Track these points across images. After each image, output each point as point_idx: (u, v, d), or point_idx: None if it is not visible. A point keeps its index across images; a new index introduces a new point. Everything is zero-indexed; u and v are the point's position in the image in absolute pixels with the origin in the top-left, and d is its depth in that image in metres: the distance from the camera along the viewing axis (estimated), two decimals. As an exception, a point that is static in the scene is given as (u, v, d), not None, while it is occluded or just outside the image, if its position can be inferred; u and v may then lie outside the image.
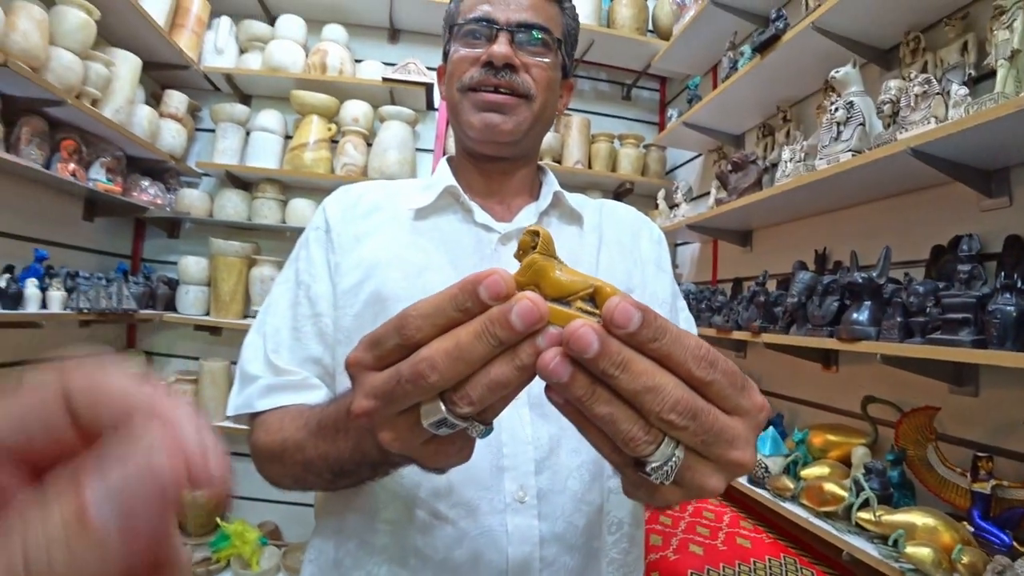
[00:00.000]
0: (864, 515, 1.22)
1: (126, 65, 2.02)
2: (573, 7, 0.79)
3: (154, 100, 2.36)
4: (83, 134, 1.95)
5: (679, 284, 2.51)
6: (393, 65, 2.45)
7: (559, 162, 2.57)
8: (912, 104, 1.20)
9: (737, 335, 1.78)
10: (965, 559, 1.02)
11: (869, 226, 1.57)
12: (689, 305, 2.06)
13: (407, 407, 0.32)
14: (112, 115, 1.95)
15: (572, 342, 0.27)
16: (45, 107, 1.73)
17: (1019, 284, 1.02)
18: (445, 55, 0.77)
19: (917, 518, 1.14)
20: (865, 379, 1.50)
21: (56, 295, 1.80)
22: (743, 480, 1.61)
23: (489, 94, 0.69)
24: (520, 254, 0.32)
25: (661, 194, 2.52)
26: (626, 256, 0.77)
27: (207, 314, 2.39)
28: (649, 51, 2.60)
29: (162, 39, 2.14)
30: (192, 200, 2.38)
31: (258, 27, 2.45)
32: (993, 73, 1.09)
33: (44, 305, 1.76)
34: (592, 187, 2.69)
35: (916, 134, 1.15)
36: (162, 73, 2.38)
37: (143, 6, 2.02)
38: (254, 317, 2.38)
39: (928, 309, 1.16)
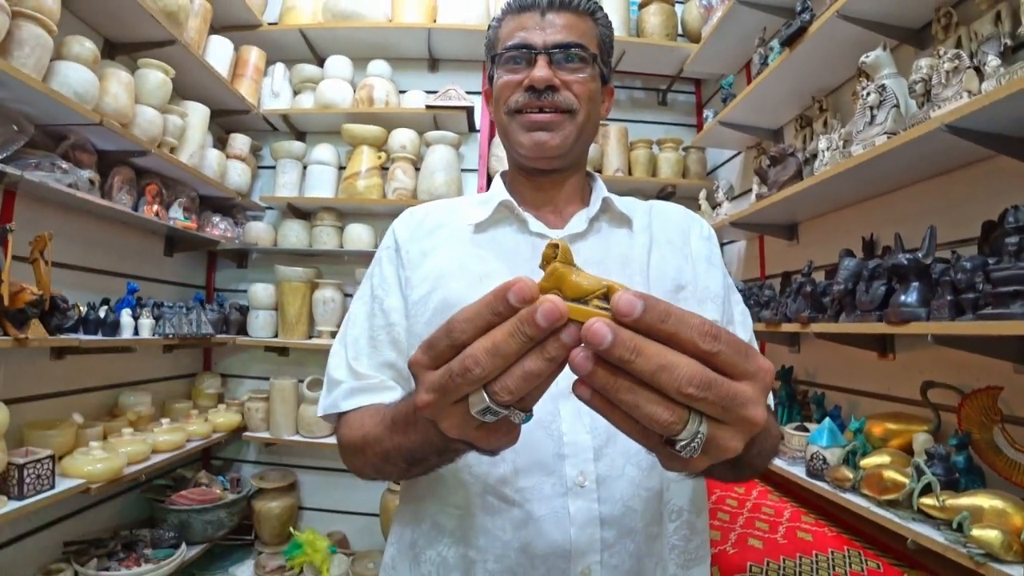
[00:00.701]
0: (927, 500, 1.19)
1: (197, 115, 2.25)
2: (605, 15, 0.81)
3: (220, 143, 2.60)
4: (163, 178, 2.19)
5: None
6: (434, 93, 2.60)
7: (599, 171, 2.63)
8: (943, 80, 1.19)
9: (786, 327, 1.76)
10: (1037, 541, 0.99)
11: (917, 208, 1.54)
12: (736, 302, 2.06)
13: (459, 398, 0.37)
14: (187, 160, 2.17)
15: (589, 337, 0.32)
16: (132, 157, 1.96)
17: (1070, 251, 0.99)
18: (490, 79, 0.82)
19: (984, 501, 1.10)
20: (924, 364, 1.46)
21: (146, 323, 2.00)
22: (801, 473, 1.59)
23: (535, 115, 0.74)
24: (544, 264, 0.38)
25: (702, 194, 2.53)
26: (676, 254, 0.79)
27: (275, 336, 2.58)
28: (681, 55, 2.63)
29: (225, 88, 2.38)
30: (258, 232, 2.60)
31: (309, 69, 2.68)
32: (1027, 40, 1.08)
33: (136, 332, 1.97)
34: (634, 193, 2.66)
35: (949, 110, 1.14)
36: (227, 118, 2.63)
37: (209, 62, 2.26)
38: (318, 337, 2.56)
39: (978, 285, 1.13)
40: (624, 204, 0.82)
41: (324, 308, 2.52)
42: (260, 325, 2.56)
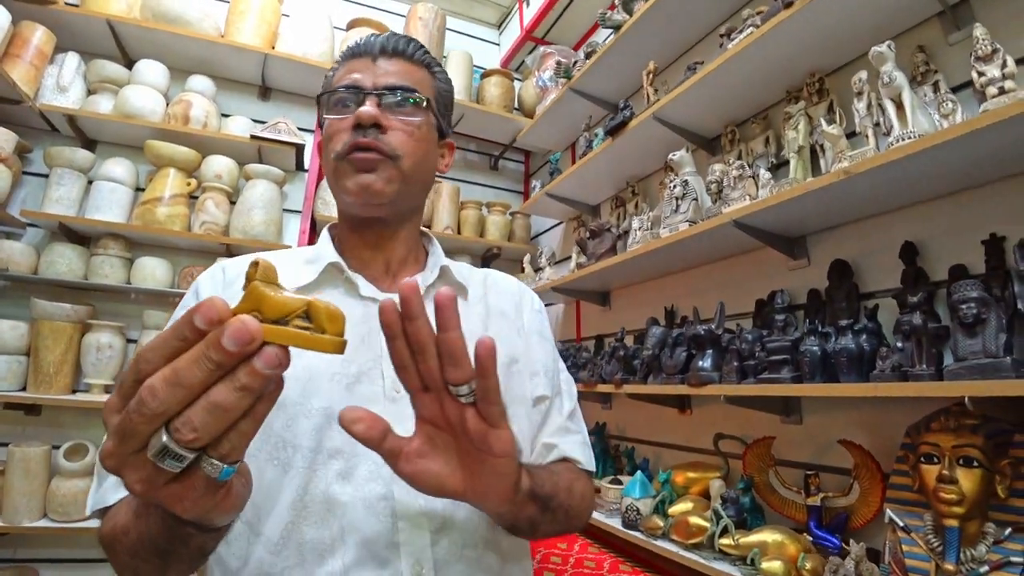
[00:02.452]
0: (725, 541, 1.36)
1: (-63, 98, 1.75)
2: (444, 72, 0.81)
3: (-30, 138, 2.04)
4: None
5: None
6: (263, 123, 2.41)
7: (429, 227, 2.66)
8: (731, 184, 1.47)
9: (601, 388, 1.93)
10: (808, 565, 1.18)
11: (707, 284, 1.83)
12: (559, 362, 2.19)
13: (142, 443, 0.31)
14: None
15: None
16: None
17: (819, 328, 1.26)
18: (320, 126, 0.77)
19: (768, 536, 1.29)
20: (716, 418, 1.71)
21: None
22: (618, 524, 1.71)
23: (359, 155, 0.69)
24: (246, 284, 0.34)
25: (527, 258, 2.70)
26: (510, 327, 0.79)
27: (23, 389, 2.02)
28: (515, 127, 2.85)
29: (-12, 70, 1.89)
30: (11, 254, 2.05)
31: (113, 68, 2.26)
32: (787, 161, 1.39)
33: None
34: (461, 251, 2.81)
35: (735, 208, 1.41)
36: (-15, 108, 2.08)
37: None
38: (86, 391, 2.09)
39: (757, 353, 1.38)
40: (460, 272, 0.81)
41: (98, 356, 2.06)
42: (1, 374, 1.99)
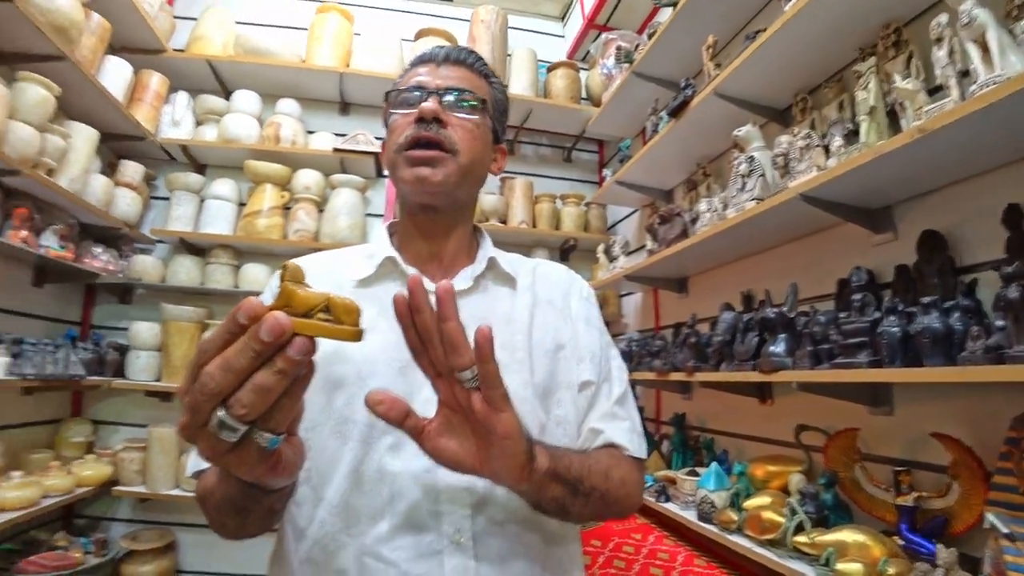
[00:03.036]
0: (800, 538, 1.27)
1: (82, 137, 2.09)
2: (500, 82, 0.86)
3: (110, 169, 2.41)
4: (37, 202, 1.99)
5: (624, 332, 2.61)
6: (344, 136, 2.60)
7: (504, 223, 2.71)
8: (798, 156, 1.36)
9: (675, 376, 1.86)
10: (891, 570, 1.07)
11: (785, 266, 1.71)
12: (632, 352, 2.15)
13: (206, 418, 0.38)
14: (67, 184, 2.00)
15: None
16: (1, 177, 1.77)
17: (900, 307, 1.13)
18: (386, 125, 0.84)
19: (847, 536, 1.19)
20: (797, 409, 1.59)
21: (1, 360, 1.77)
22: (693, 516, 1.65)
23: (418, 151, 0.74)
24: (280, 284, 0.41)
25: (601, 248, 2.67)
26: (556, 315, 0.81)
27: (158, 380, 2.36)
28: (584, 117, 2.82)
29: (119, 112, 2.23)
30: (145, 266, 2.41)
31: (214, 101, 2.59)
32: (862, 126, 1.26)
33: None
34: (537, 245, 2.83)
35: (802, 181, 1.30)
36: (120, 144, 2.46)
37: (103, 83, 2.13)
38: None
39: (831, 336, 1.27)
40: (509, 263, 0.83)
41: (215, 351, 2.36)
42: (141, 367, 2.33)
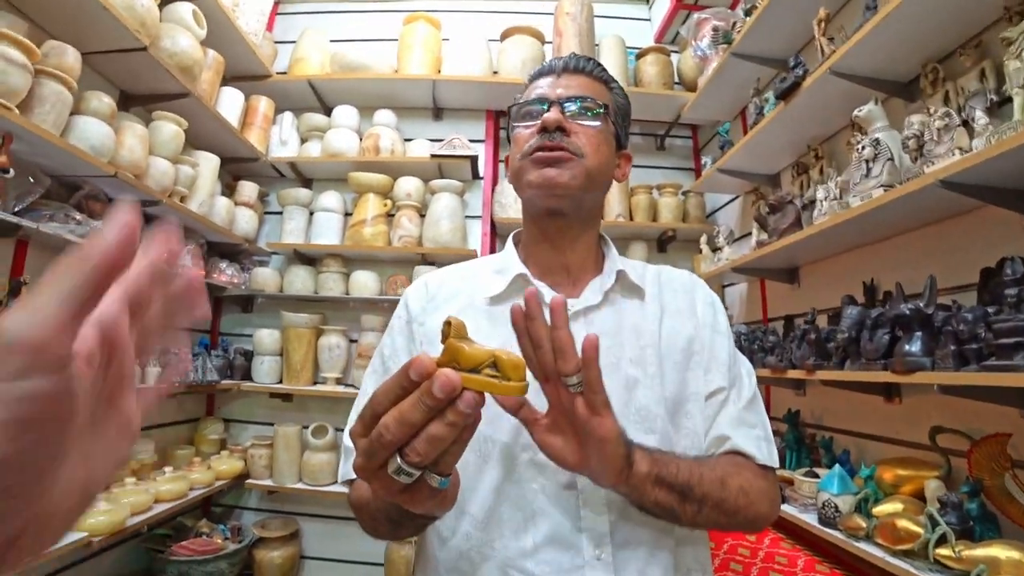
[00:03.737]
0: (943, 551, 1.18)
1: (207, 164, 2.30)
2: (621, 88, 0.86)
3: (229, 190, 2.65)
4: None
5: (730, 326, 2.51)
6: (439, 141, 2.68)
7: (601, 218, 2.67)
8: (935, 137, 1.24)
9: (792, 374, 1.77)
10: (1055, 593, 0.98)
11: (914, 254, 1.57)
12: (741, 346, 2.07)
13: (382, 463, 0.42)
14: (196, 208, 2.22)
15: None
16: (145, 207, 1.99)
17: (1067, 303, 1.01)
18: (509, 139, 0.86)
19: (1000, 551, 1.09)
20: (931, 409, 1.47)
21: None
22: (813, 520, 1.57)
23: (543, 153, 0.76)
24: (443, 340, 0.43)
25: (703, 239, 2.57)
26: (686, 323, 0.81)
27: (280, 382, 2.57)
28: (678, 102, 2.72)
29: (235, 137, 2.44)
30: (264, 277, 2.62)
31: (316, 119, 2.75)
32: (1011, 99, 1.12)
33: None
34: (635, 238, 2.77)
35: (943, 166, 1.19)
36: (236, 165, 2.69)
37: (221, 112, 2.33)
38: (323, 383, 2.57)
39: (980, 335, 1.15)
40: (636, 274, 0.83)
41: (329, 354, 2.52)
42: (265, 371, 2.55)
